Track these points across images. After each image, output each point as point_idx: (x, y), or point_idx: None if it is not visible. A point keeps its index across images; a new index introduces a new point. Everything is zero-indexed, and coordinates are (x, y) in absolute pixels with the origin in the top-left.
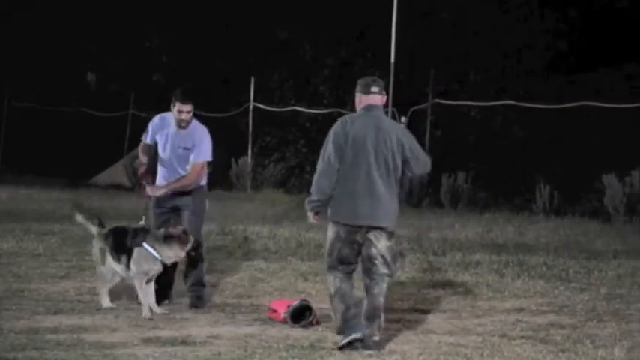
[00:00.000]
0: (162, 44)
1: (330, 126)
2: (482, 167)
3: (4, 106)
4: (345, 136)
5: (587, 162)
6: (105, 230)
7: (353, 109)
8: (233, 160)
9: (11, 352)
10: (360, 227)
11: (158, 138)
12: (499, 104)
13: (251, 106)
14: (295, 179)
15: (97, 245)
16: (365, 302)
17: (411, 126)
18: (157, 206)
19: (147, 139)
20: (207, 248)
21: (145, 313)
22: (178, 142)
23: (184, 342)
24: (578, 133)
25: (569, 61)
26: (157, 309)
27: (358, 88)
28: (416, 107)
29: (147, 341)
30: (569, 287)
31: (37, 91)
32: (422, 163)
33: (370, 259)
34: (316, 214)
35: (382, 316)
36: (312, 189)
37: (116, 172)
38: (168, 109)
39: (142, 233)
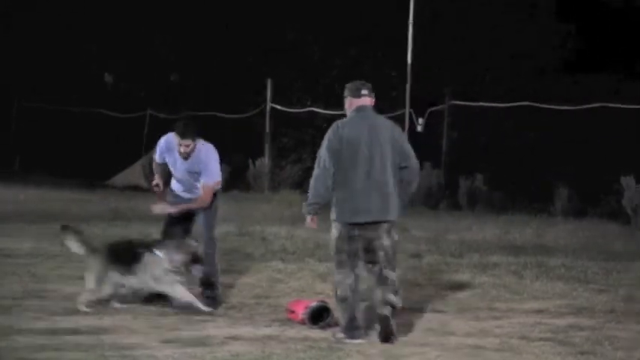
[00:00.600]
0: (179, 45)
1: None
2: (500, 169)
3: (15, 108)
4: (340, 140)
5: (606, 163)
6: (106, 246)
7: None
8: (250, 161)
9: (31, 354)
10: (363, 224)
11: (167, 159)
12: (516, 105)
13: (268, 107)
14: None
15: (96, 262)
16: (372, 278)
17: (427, 128)
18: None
19: (157, 158)
20: (225, 249)
21: (202, 308)
22: (186, 166)
23: (203, 343)
24: (596, 134)
25: (588, 62)
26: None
27: (347, 92)
28: (433, 109)
29: (166, 342)
30: (588, 289)
31: (53, 91)
32: (413, 163)
33: (372, 252)
34: (312, 217)
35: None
36: (309, 193)
37: (133, 173)
38: (184, 109)
39: (150, 243)
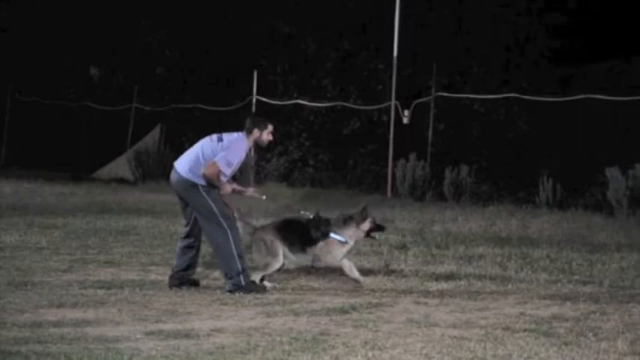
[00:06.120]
0: (166, 38)
1: (333, 119)
2: (486, 160)
3: (7, 101)
4: None
5: (591, 155)
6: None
7: (355, 102)
8: None
9: (14, 346)
10: None
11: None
12: (502, 97)
13: (254, 100)
14: (298, 173)
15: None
16: None
17: (414, 119)
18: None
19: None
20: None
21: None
22: None
23: (187, 335)
24: (581, 125)
25: (573, 54)
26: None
27: None
28: (419, 100)
29: (150, 335)
30: (573, 280)
31: (40, 85)
32: None
33: None
34: None
35: None
36: None
37: (119, 166)
38: (170, 102)
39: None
